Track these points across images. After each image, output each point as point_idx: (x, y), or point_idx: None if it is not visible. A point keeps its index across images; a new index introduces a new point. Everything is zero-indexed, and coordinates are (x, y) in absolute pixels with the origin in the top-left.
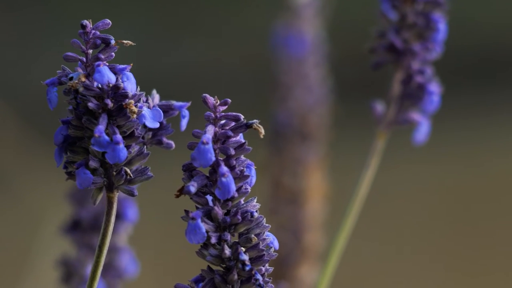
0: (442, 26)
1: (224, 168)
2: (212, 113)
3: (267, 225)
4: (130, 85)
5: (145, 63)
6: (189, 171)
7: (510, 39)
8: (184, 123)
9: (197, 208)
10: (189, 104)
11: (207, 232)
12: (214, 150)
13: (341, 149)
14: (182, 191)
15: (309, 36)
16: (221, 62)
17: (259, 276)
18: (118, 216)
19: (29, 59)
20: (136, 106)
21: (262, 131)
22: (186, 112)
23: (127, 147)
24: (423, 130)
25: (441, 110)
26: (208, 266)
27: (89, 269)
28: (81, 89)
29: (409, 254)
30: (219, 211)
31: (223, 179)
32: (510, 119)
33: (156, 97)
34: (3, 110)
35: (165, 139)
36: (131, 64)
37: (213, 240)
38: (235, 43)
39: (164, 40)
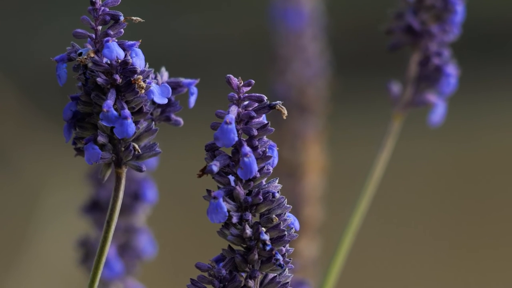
0: (459, 8)
1: (247, 148)
2: (235, 94)
3: (288, 206)
4: (139, 61)
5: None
6: (212, 151)
7: (507, 13)
8: (192, 100)
9: (219, 187)
10: (197, 81)
11: (228, 211)
12: (237, 131)
13: (339, 122)
14: (205, 170)
15: (307, 9)
16: (219, 36)
17: (279, 256)
18: (137, 197)
19: (29, 33)
20: (144, 82)
21: (285, 111)
22: (194, 89)
23: (136, 122)
24: (439, 111)
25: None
26: (229, 245)
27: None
28: (90, 65)
29: (411, 231)
30: (241, 191)
31: (246, 159)
32: (508, 94)
33: (165, 74)
34: (3, 84)
35: (173, 116)
36: (140, 41)
37: (235, 220)
38: (233, 17)
39: (161, 15)
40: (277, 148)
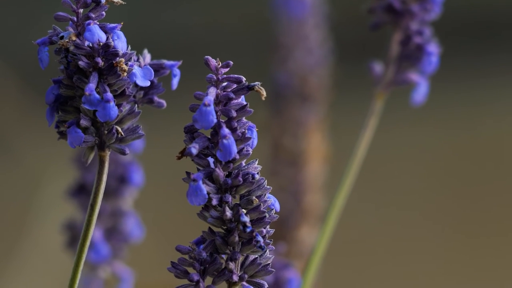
0: None
1: (226, 130)
2: (214, 75)
3: (268, 187)
4: (121, 43)
5: (142, 23)
6: (191, 133)
7: (507, 0)
8: (175, 82)
9: (198, 170)
10: (180, 63)
11: (208, 194)
12: (216, 112)
13: (341, 111)
14: (184, 153)
15: None
16: (220, 23)
17: (260, 238)
18: (123, 180)
19: (29, 20)
20: (126, 64)
21: (264, 93)
22: (177, 71)
23: (118, 105)
24: (421, 90)
25: (436, 71)
26: (209, 228)
27: (95, 233)
28: (71, 48)
29: (407, 215)
30: (220, 173)
31: (225, 141)
32: (507, 80)
33: (147, 56)
34: (3, 70)
35: (156, 98)
36: (122, 23)
37: (214, 202)
38: (234, 4)
39: (159, 1)
40: (276, 135)
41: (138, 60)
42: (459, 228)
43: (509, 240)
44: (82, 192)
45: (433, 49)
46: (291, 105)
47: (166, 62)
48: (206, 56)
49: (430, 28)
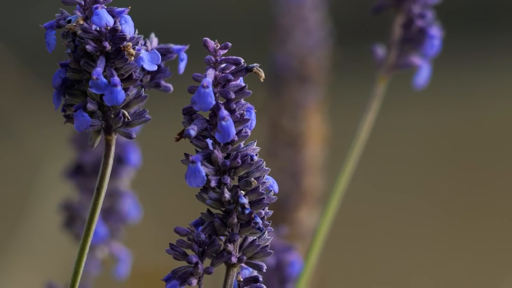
0: None
1: (224, 112)
2: (212, 57)
3: (266, 168)
4: (128, 27)
5: (139, 5)
6: (189, 114)
7: None
8: (182, 66)
9: (197, 151)
10: (187, 47)
11: (206, 175)
12: (214, 94)
13: (340, 92)
14: (182, 134)
15: None
16: (219, 5)
17: (258, 220)
18: (120, 161)
19: (30, 2)
20: (134, 49)
21: (263, 74)
22: (184, 55)
23: (125, 89)
24: (423, 74)
25: (437, 54)
26: (208, 209)
27: None
28: (79, 32)
29: (406, 198)
30: (219, 154)
31: (223, 123)
32: (507, 63)
33: (154, 41)
34: (3, 52)
35: (163, 82)
36: (129, 7)
37: (213, 184)
38: None
39: None
40: (274, 116)
41: (145, 44)
42: (458, 212)
43: (509, 225)
44: (79, 172)
45: (436, 32)
46: (290, 86)
47: (173, 46)
48: (204, 38)
49: (432, 11)
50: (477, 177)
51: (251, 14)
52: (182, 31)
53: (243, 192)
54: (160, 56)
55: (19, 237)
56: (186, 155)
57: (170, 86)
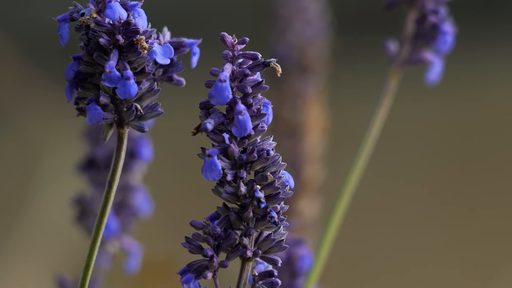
0: None
1: (241, 106)
2: (230, 52)
3: (283, 163)
4: (141, 21)
5: None
6: (206, 108)
7: None
8: (194, 60)
9: (213, 145)
10: (200, 41)
11: (223, 169)
12: (232, 88)
13: (340, 82)
14: (199, 128)
15: None
16: None
17: (274, 214)
18: (132, 155)
19: None
20: (147, 42)
21: (280, 69)
22: (197, 49)
23: (138, 83)
24: (436, 70)
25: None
26: (224, 203)
27: None
28: (92, 25)
29: (409, 188)
30: (235, 148)
31: (240, 117)
32: (509, 52)
33: (167, 34)
34: (4, 43)
35: (175, 76)
36: (142, 1)
37: (229, 178)
38: None
39: None
40: (272, 107)
41: (158, 38)
42: (463, 202)
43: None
44: (92, 166)
45: (448, 28)
46: (290, 76)
47: (186, 40)
48: (222, 33)
49: (446, 7)
50: (480, 166)
51: (251, 4)
52: (182, 21)
53: (259, 187)
54: (172, 50)
55: (19, 227)
56: (203, 149)
57: (183, 80)
